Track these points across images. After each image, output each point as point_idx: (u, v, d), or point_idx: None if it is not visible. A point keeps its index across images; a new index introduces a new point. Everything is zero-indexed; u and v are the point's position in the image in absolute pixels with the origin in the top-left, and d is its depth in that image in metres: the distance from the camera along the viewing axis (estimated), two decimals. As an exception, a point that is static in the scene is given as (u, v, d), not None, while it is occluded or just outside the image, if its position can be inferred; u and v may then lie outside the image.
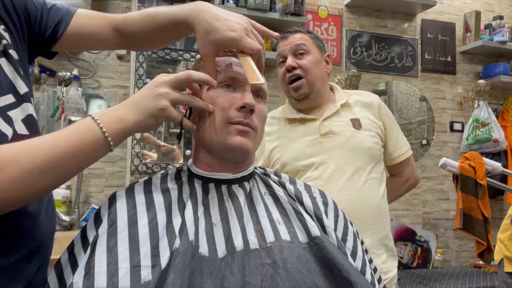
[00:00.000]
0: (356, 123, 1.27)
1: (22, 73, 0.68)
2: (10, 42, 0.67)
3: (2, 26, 0.67)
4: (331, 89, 1.39)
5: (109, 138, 0.60)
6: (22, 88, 0.67)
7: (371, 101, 1.35)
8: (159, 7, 0.78)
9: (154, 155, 2.23)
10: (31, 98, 0.69)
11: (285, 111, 1.36)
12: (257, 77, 0.68)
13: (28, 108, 0.67)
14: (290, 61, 1.27)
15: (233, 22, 0.69)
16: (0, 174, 0.51)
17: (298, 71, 1.27)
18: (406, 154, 1.38)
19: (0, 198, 0.52)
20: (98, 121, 0.60)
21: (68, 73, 2.15)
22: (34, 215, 0.66)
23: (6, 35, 0.67)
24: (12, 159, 0.53)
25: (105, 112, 0.62)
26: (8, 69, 0.65)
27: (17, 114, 0.64)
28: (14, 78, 0.66)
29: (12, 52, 0.67)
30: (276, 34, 0.85)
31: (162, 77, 0.65)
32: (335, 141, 1.24)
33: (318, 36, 1.38)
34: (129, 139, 2.14)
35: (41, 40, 0.77)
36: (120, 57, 2.29)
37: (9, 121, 0.62)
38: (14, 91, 0.65)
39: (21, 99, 0.66)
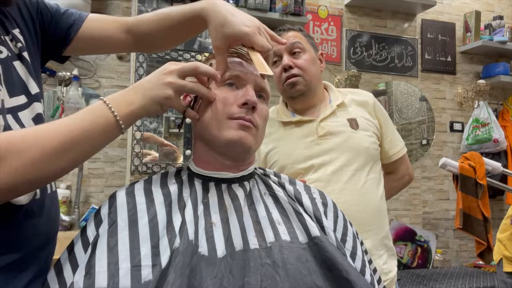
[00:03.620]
0: (354, 123, 1.26)
1: (34, 75, 0.71)
2: (24, 45, 0.71)
3: (17, 30, 0.71)
4: (325, 88, 1.36)
5: (121, 121, 0.62)
6: (34, 88, 0.70)
7: (366, 99, 1.33)
8: (172, 7, 0.82)
9: (155, 153, 2.22)
10: (41, 99, 0.72)
11: (280, 113, 1.33)
12: (266, 69, 0.70)
13: (38, 108, 0.70)
14: (287, 60, 1.23)
15: (247, 20, 0.72)
16: (23, 156, 0.54)
17: (295, 71, 1.23)
18: (401, 151, 1.37)
19: (24, 179, 0.55)
20: (109, 105, 0.62)
21: (68, 73, 2.15)
22: (37, 215, 0.67)
23: (20, 38, 0.71)
24: (34, 141, 0.56)
25: (115, 96, 0.65)
26: (21, 71, 0.68)
27: (26, 114, 0.67)
28: (27, 79, 0.69)
29: (25, 54, 0.70)
30: (284, 41, 0.87)
31: (171, 66, 0.67)
32: (333, 142, 1.23)
33: (309, 35, 1.34)
34: (129, 139, 2.14)
35: (54, 44, 0.80)
36: (120, 57, 2.29)
37: (19, 120, 0.65)
38: (26, 92, 0.68)
39: (31, 99, 0.69)
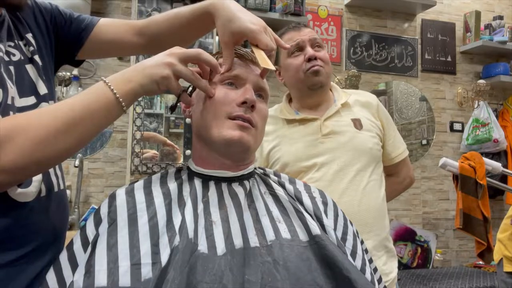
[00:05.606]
0: (358, 123, 1.26)
1: (44, 78, 0.74)
2: (35, 48, 0.74)
3: (30, 34, 0.75)
4: (330, 88, 1.37)
5: (121, 99, 0.63)
6: (42, 89, 0.73)
7: (369, 101, 1.33)
8: (182, 7, 0.86)
9: (155, 151, 2.21)
10: (50, 100, 0.75)
11: (283, 111, 1.32)
12: (268, 64, 0.71)
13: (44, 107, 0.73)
14: (311, 51, 1.24)
15: (254, 18, 0.75)
16: (29, 135, 0.56)
17: (319, 62, 1.24)
18: (403, 154, 1.37)
19: (32, 159, 0.56)
20: (109, 84, 0.64)
21: (68, 73, 2.15)
22: (44, 211, 0.69)
23: (33, 41, 0.74)
24: (38, 122, 0.57)
25: (115, 75, 0.66)
26: (32, 74, 0.72)
27: None
28: (37, 81, 0.72)
29: (36, 57, 0.74)
30: (288, 46, 0.88)
31: (175, 49, 0.69)
32: (337, 141, 1.23)
33: None
34: (129, 139, 2.14)
35: (67, 48, 0.84)
36: (120, 57, 2.29)
37: None
38: (35, 93, 0.72)
39: (40, 100, 0.72)
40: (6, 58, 0.68)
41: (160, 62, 0.66)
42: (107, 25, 0.88)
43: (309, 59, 1.24)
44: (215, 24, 0.78)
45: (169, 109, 2.22)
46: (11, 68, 0.68)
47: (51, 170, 0.73)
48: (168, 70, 0.66)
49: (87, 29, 0.85)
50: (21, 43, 0.73)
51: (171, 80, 0.66)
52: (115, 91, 0.63)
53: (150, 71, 0.65)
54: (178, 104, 0.77)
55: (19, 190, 0.63)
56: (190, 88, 0.76)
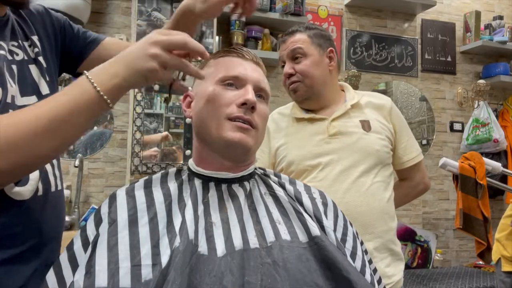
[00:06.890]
0: (366, 125, 1.25)
1: (47, 78, 0.75)
2: (40, 50, 0.76)
3: (36, 37, 0.77)
4: (342, 89, 1.36)
5: (105, 96, 0.60)
6: (45, 90, 0.74)
7: (383, 103, 1.32)
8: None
9: (156, 148, 2.17)
10: None
11: (294, 109, 1.33)
12: None
13: None
14: (287, 68, 1.27)
15: None
16: (6, 138, 0.54)
17: (294, 78, 1.26)
18: (416, 159, 1.35)
19: (8, 162, 0.54)
20: (91, 80, 0.60)
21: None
22: (41, 210, 0.69)
23: (38, 44, 0.76)
24: (15, 123, 0.55)
25: (99, 68, 0.62)
26: (35, 74, 0.73)
27: None
28: (40, 81, 0.73)
29: (40, 59, 0.75)
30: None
31: (157, 36, 0.63)
32: (343, 142, 1.23)
33: (320, 32, 1.31)
34: (129, 139, 2.14)
35: (70, 60, 0.87)
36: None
37: None
38: (37, 92, 0.72)
39: (42, 99, 0.72)
40: (9, 57, 0.68)
41: (144, 53, 0.61)
42: (111, 44, 0.90)
43: (287, 77, 1.28)
44: (197, 17, 0.83)
45: (163, 101, 2.18)
46: (14, 67, 0.68)
47: (49, 170, 0.73)
48: (154, 62, 0.61)
49: (91, 45, 0.88)
50: (25, 43, 0.73)
51: (158, 72, 0.62)
52: (98, 88, 0.59)
53: (136, 65, 0.61)
54: (175, 96, 0.76)
55: (16, 188, 0.63)
56: (181, 74, 0.73)
